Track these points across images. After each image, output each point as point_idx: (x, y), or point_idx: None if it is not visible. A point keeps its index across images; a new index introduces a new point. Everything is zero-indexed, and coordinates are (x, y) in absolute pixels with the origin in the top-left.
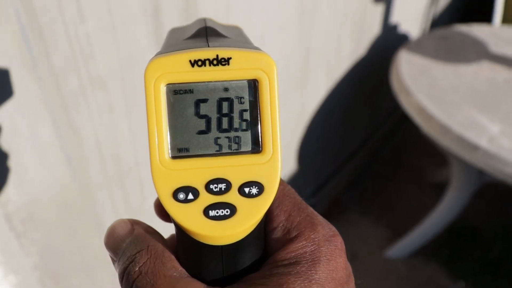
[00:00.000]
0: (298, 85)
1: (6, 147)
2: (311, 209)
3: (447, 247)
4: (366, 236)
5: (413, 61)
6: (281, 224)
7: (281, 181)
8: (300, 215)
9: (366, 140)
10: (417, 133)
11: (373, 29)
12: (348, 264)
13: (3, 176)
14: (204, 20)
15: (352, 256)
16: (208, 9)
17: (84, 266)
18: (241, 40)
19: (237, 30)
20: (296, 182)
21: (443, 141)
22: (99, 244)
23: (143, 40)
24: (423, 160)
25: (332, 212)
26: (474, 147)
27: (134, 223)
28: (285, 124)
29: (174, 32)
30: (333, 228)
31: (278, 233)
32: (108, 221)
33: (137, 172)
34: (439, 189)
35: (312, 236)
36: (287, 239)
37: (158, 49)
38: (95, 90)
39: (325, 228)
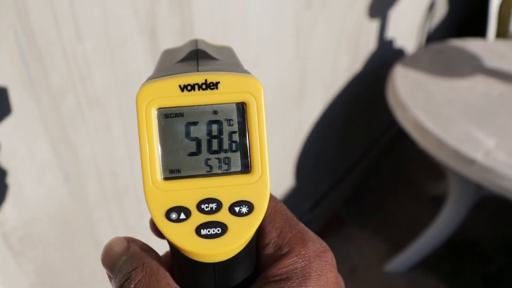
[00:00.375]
0: (295, 101)
1: (4, 166)
2: (302, 225)
3: (446, 261)
4: (365, 250)
5: (409, 76)
6: (272, 241)
7: (273, 198)
8: (291, 231)
9: (363, 155)
10: (414, 147)
11: (369, 45)
12: (340, 279)
13: (0, 195)
14: (196, 42)
15: (351, 271)
16: (205, 29)
17: (81, 284)
18: (231, 63)
19: (228, 51)
20: (294, 197)
21: (440, 156)
22: (96, 262)
23: (140, 59)
24: (421, 174)
25: (331, 227)
26: (470, 161)
27: (130, 241)
28: (283, 140)
29: (166, 54)
30: (324, 244)
31: (269, 250)
32: (106, 238)
33: (134, 190)
34: (437, 202)
35: (303, 252)
36: (279, 255)
37: (154, 68)
38: (92, 109)
39: (316, 244)
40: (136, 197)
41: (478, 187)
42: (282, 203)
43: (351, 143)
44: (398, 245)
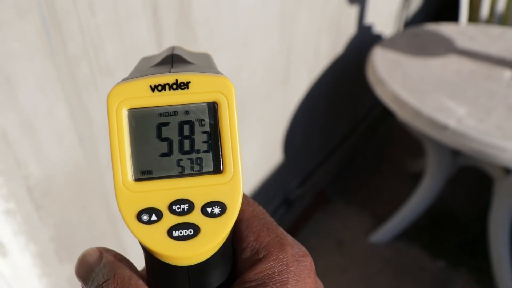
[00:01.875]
0: (281, 81)
1: (28, 126)
2: (281, 229)
3: (427, 230)
4: (351, 224)
5: (386, 56)
6: (250, 245)
7: (251, 202)
8: (269, 235)
9: (347, 135)
10: (395, 129)
11: (349, 29)
12: (319, 284)
13: (26, 152)
14: (173, 48)
15: (338, 244)
16: (200, 8)
17: (93, 242)
18: (205, 66)
19: (205, 57)
20: (282, 174)
21: (417, 124)
22: (106, 221)
23: (144, 33)
24: (401, 154)
25: (317, 204)
26: (444, 127)
27: (104, 251)
28: (271, 118)
29: (143, 60)
30: (303, 249)
31: (246, 254)
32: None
33: None
34: (417, 179)
35: (281, 256)
36: (256, 260)
37: (157, 41)
38: (103, 78)
39: (295, 248)
40: None
41: (454, 157)
42: (261, 207)
43: (335, 123)
44: (381, 219)
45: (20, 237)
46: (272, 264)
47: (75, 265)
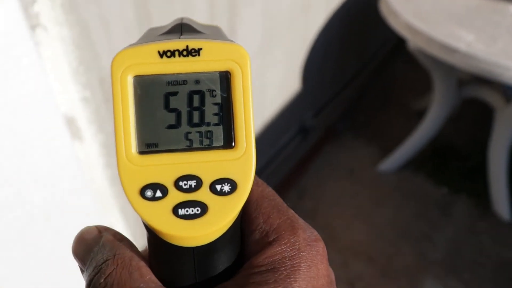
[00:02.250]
0: (301, 9)
1: (105, 21)
2: (292, 211)
3: (431, 160)
4: (360, 156)
5: None
6: (259, 227)
7: (261, 183)
8: (280, 217)
9: (358, 73)
10: (401, 70)
11: None
12: (331, 271)
13: (102, 45)
14: (182, 18)
15: (348, 172)
16: None
17: None
18: (217, 35)
19: (215, 29)
20: (299, 103)
21: (429, 50)
22: None
23: None
24: (407, 93)
25: (328, 137)
26: (455, 51)
27: (102, 230)
28: (291, 48)
29: (151, 30)
30: (315, 233)
31: (256, 236)
32: None
33: None
34: (422, 116)
35: (292, 240)
36: (266, 243)
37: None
38: None
39: (307, 232)
40: None
41: (458, 90)
42: (270, 188)
43: (347, 60)
44: (388, 151)
45: (92, 125)
46: (283, 248)
47: (72, 243)
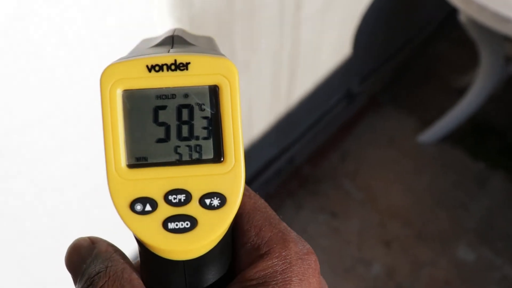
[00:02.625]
0: None
1: None
2: (284, 224)
3: (470, 135)
4: (401, 126)
5: None
6: (250, 240)
7: (253, 195)
8: (272, 230)
9: (404, 45)
10: (445, 48)
11: None
12: (324, 283)
13: None
14: (174, 30)
15: (389, 140)
16: None
17: None
18: (207, 48)
19: (207, 40)
20: (347, 70)
21: (482, 19)
22: None
23: None
24: (450, 70)
25: (370, 106)
26: (508, 20)
27: (95, 241)
28: (346, 11)
29: (143, 41)
30: (308, 246)
31: (247, 249)
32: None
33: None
34: (463, 94)
35: (284, 253)
36: (257, 256)
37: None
38: None
39: (298, 245)
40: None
41: (504, 66)
42: (262, 199)
43: (394, 33)
44: (428, 124)
45: None
46: (275, 262)
47: (65, 254)
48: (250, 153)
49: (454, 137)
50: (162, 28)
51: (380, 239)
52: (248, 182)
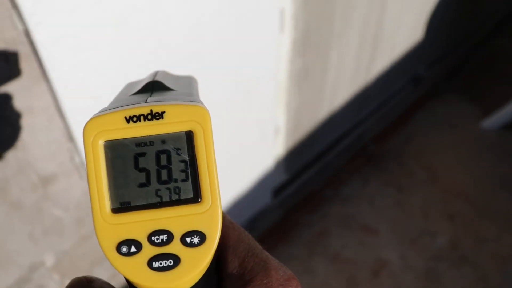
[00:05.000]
0: None
1: None
2: (266, 253)
3: None
4: (463, 112)
5: None
6: (234, 270)
7: (237, 227)
8: (254, 260)
9: (470, 36)
10: (508, 41)
11: None
12: None
13: None
14: (156, 73)
15: (451, 126)
16: None
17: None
18: (185, 93)
19: (188, 81)
20: (416, 53)
21: None
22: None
23: None
24: (511, 65)
25: (434, 92)
26: None
27: (90, 280)
28: None
29: (127, 86)
30: (289, 272)
31: (232, 279)
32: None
33: None
34: None
35: (265, 281)
36: (240, 285)
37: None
38: None
39: (279, 273)
40: None
41: None
42: (246, 232)
43: (461, 23)
44: (489, 113)
45: (293, 19)
46: None
47: None
48: (331, 123)
49: None
50: None
51: (444, 214)
52: (322, 153)
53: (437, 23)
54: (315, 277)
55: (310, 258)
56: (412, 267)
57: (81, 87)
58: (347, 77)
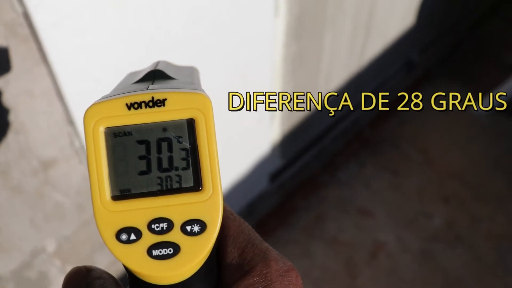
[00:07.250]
0: None
1: None
2: (266, 244)
3: None
4: (456, 95)
5: None
6: (234, 261)
7: (237, 218)
8: (254, 250)
9: (461, 20)
10: (499, 27)
11: None
12: None
13: None
14: (158, 63)
15: (444, 111)
16: None
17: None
18: (186, 81)
19: (189, 71)
20: (409, 38)
21: None
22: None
23: None
24: (503, 48)
25: (425, 77)
26: None
27: (90, 269)
28: None
29: (128, 76)
30: (288, 263)
31: (231, 269)
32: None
33: None
34: None
35: (265, 271)
36: (240, 275)
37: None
38: None
39: (279, 263)
40: None
41: None
42: (246, 222)
43: (452, 9)
44: (483, 95)
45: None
46: (256, 280)
47: (61, 285)
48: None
49: (509, 109)
50: None
51: (439, 195)
52: (319, 137)
53: (429, 7)
54: (314, 260)
55: (308, 242)
56: (408, 248)
57: (80, 70)
58: (341, 62)
